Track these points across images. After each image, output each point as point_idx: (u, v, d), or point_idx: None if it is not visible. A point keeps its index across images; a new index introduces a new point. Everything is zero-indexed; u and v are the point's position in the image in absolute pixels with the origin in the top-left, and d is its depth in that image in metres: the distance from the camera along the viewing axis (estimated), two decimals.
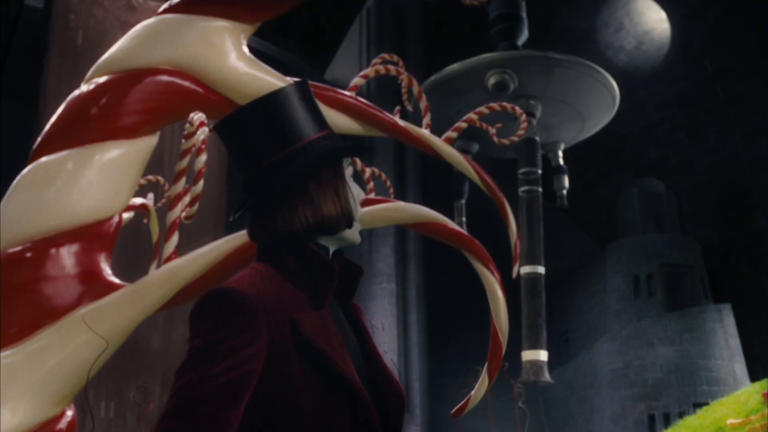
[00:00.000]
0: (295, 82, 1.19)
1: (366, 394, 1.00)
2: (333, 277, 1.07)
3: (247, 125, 1.13)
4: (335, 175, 1.12)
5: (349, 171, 1.16)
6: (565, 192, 8.62)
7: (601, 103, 8.80)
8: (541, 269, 8.13)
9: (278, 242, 1.09)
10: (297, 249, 1.08)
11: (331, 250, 1.14)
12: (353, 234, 1.14)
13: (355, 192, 1.16)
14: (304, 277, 1.07)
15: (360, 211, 1.16)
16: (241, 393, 0.94)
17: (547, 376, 7.76)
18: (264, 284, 1.03)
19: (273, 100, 1.14)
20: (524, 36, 8.90)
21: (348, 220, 1.12)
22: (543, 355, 7.80)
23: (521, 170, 8.42)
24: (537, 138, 8.43)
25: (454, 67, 8.45)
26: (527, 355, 7.81)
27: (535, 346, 7.78)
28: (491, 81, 8.12)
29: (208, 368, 0.92)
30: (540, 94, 8.31)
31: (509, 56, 8.26)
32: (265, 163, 1.10)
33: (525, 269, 8.06)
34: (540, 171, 8.44)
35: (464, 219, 9.04)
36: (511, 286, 2.02)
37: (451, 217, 2.14)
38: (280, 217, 1.09)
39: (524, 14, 8.87)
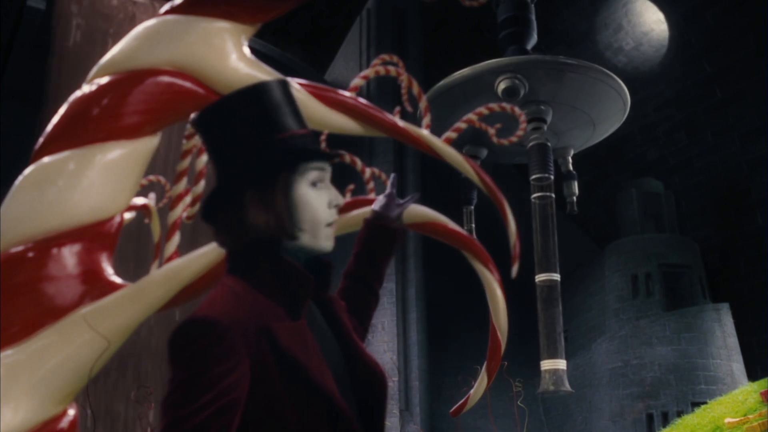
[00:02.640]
0: (278, 79, 1.15)
1: (344, 405, 0.99)
2: (308, 287, 1.05)
3: (226, 117, 1.11)
4: (285, 183, 1.07)
5: (326, 175, 1.10)
6: (575, 198, 8.56)
7: (612, 108, 8.69)
8: (557, 276, 8.00)
9: (247, 253, 1.07)
10: (269, 260, 1.06)
11: (300, 259, 1.10)
12: (313, 241, 1.08)
13: (328, 197, 1.10)
14: (279, 288, 1.04)
15: (326, 219, 1.09)
16: (229, 422, 0.93)
17: (567, 386, 7.68)
18: (237, 302, 1.00)
19: (253, 92, 1.12)
20: (533, 40, 8.78)
21: (283, 233, 1.06)
22: (562, 364, 7.71)
23: (533, 176, 8.27)
24: (549, 144, 8.32)
25: (463, 72, 8.32)
26: (546, 364, 7.71)
27: (554, 355, 7.69)
28: (501, 86, 8.00)
29: (192, 402, 0.91)
30: (550, 99, 8.21)
31: (519, 61, 8.12)
32: (241, 155, 1.08)
33: (540, 277, 7.97)
34: (553, 177, 8.33)
35: (473, 225, 8.99)
36: (511, 288, 2.03)
37: (458, 220, 2.14)
38: (234, 229, 1.08)
39: (533, 17, 8.75)
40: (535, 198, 8.29)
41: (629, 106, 8.75)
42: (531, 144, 8.27)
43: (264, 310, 1.02)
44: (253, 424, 0.96)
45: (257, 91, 1.13)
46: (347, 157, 2.74)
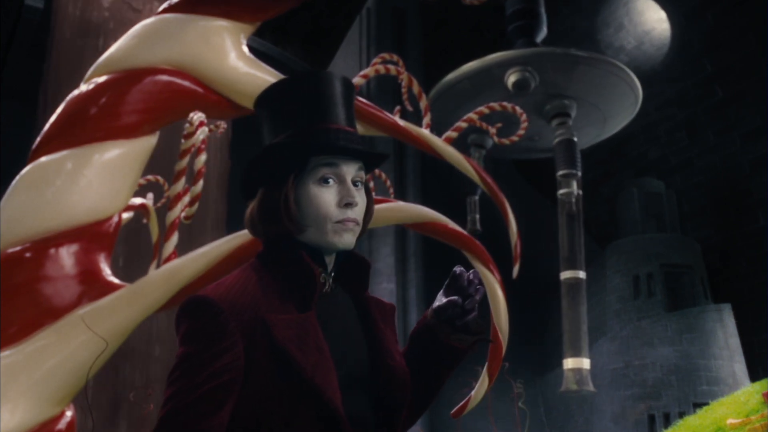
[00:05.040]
0: (342, 77, 1.13)
1: (336, 403, 0.98)
2: (314, 281, 1.04)
3: (268, 102, 1.11)
4: (289, 177, 1.05)
5: (342, 171, 1.07)
6: (574, 199, 8.48)
7: (623, 102, 8.50)
8: (582, 274, 7.86)
9: (271, 242, 1.08)
10: (284, 251, 1.06)
11: (326, 253, 1.09)
12: (321, 237, 1.06)
13: (339, 195, 1.06)
14: (289, 280, 1.05)
15: (333, 216, 1.06)
16: (220, 402, 0.95)
17: (590, 385, 7.57)
18: (244, 288, 1.01)
19: (287, 81, 1.12)
20: (543, 33, 8.65)
21: (284, 227, 1.05)
22: (586, 363, 7.59)
23: (560, 172, 8.04)
24: (575, 139, 8.16)
25: (472, 65, 8.15)
26: (569, 363, 7.58)
27: (578, 353, 7.57)
28: (511, 79, 7.82)
29: (188, 379, 0.95)
30: (561, 92, 8.07)
31: (529, 53, 7.91)
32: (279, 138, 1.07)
33: (565, 274, 7.85)
34: (580, 173, 8.17)
35: (477, 216, 8.87)
36: (511, 288, 2.02)
37: (460, 218, 2.13)
38: (253, 216, 1.09)
39: (543, 10, 8.63)
40: (561, 194, 8.14)
41: (641, 99, 8.62)
42: (557, 140, 8.10)
43: (267, 299, 1.02)
44: (243, 411, 0.98)
45: (291, 81, 1.12)
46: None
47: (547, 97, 7.89)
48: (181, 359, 0.97)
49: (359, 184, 1.09)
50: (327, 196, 1.06)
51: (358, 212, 1.08)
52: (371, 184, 2.66)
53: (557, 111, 7.99)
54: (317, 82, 1.09)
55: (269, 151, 1.07)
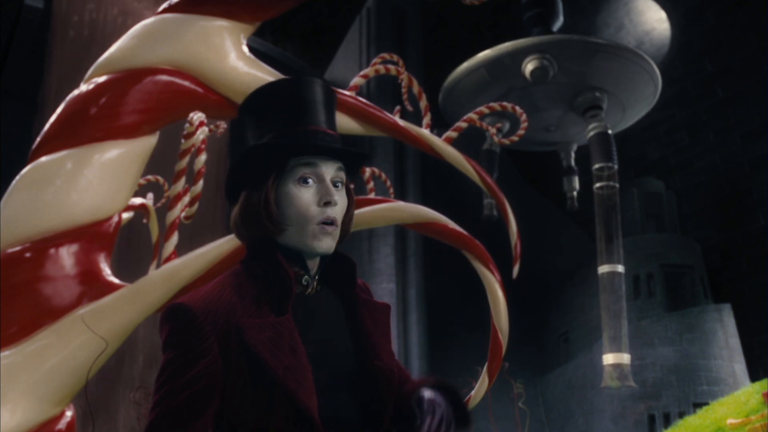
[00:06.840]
0: (322, 80, 1.15)
1: (307, 405, 0.98)
2: (290, 285, 1.05)
3: (248, 109, 1.13)
4: (270, 178, 1.06)
5: (322, 171, 1.08)
6: (575, 194, 8.37)
7: (643, 91, 8.35)
8: (621, 268, 7.75)
9: (253, 246, 1.09)
10: (265, 255, 1.07)
11: (308, 256, 1.10)
12: (300, 240, 1.07)
13: (318, 195, 1.07)
14: (266, 284, 1.06)
15: (314, 216, 1.07)
16: (202, 406, 0.97)
17: (631, 380, 7.50)
18: (221, 293, 1.03)
19: (267, 87, 1.13)
20: (559, 21, 8.54)
21: (266, 228, 1.06)
22: (626, 359, 7.51)
23: (596, 166, 7.95)
24: (610, 131, 8.06)
25: (488, 53, 8.01)
26: (610, 358, 7.50)
27: (618, 349, 7.51)
28: (529, 67, 7.67)
29: (169, 386, 0.97)
30: (586, 82, 7.95)
31: (547, 41, 7.78)
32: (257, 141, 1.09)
33: (603, 268, 7.76)
34: (616, 166, 8.07)
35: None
36: (511, 287, 2.02)
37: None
38: (236, 219, 1.10)
39: None
40: (597, 188, 8.03)
41: (660, 88, 8.48)
42: (591, 133, 7.99)
43: (244, 304, 1.03)
44: (222, 414, 1.00)
45: (270, 86, 1.14)
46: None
47: (575, 87, 7.78)
48: (163, 366, 0.99)
49: (339, 185, 1.10)
50: (307, 196, 1.07)
51: (338, 211, 1.09)
52: (371, 185, 2.65)
53: (590, 104, 7.89)
54: (298, 86, 1.11)
55: (249, 154, 1.08)
